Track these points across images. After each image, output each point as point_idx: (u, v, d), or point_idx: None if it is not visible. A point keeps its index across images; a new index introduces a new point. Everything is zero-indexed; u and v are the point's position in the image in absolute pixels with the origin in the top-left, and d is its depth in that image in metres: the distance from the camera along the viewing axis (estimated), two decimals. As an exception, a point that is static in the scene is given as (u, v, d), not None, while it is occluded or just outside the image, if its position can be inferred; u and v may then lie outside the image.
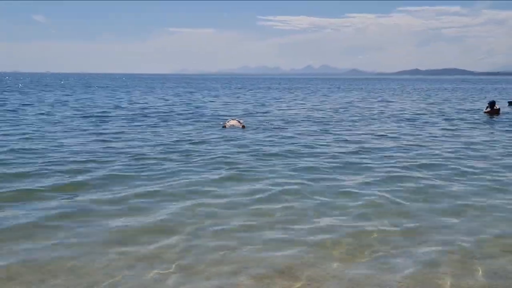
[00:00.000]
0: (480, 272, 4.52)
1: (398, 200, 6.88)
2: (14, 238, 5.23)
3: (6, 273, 4.41)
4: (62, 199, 6.72)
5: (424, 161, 9.73)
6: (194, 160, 9.63)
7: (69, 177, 7.95)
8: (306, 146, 11.63)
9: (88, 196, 6.89)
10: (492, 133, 14.79)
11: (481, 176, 8.46)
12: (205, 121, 17.40)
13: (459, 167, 9.19)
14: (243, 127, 14.89)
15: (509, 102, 23.81)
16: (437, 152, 10.92)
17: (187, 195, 6.99)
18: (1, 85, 56.15)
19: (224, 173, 8.40)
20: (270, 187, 7.49)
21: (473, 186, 7.74)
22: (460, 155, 10.60)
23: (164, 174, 8.29)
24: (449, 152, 10.94)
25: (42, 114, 19.25)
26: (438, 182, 7.96)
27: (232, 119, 16.02)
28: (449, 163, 9.59)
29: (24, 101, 27.88)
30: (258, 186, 7.56)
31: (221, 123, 15.88)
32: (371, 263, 4.68)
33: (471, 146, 11.79)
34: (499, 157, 10.32)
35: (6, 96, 32.36)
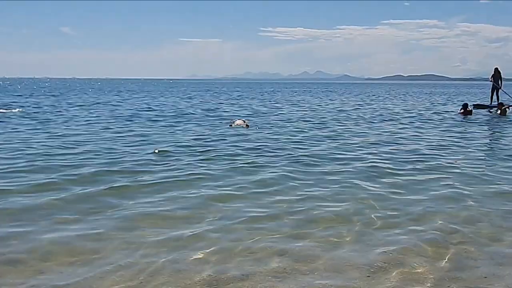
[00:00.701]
0: None
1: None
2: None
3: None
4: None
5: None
6: (213, 156, 9.33)
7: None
8: (309, 144, 11.36)
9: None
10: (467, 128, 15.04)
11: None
12: (219, 120, 17.42)
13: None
14: (247, 126, 14.94)
15: (473, 105, 23.70)
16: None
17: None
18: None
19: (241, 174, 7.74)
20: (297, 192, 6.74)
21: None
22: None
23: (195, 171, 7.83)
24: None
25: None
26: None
27: (238, 119, 16.10)
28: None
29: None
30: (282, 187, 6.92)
31: (228, 122, 15.94)
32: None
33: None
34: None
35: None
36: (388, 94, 54.41)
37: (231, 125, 15.12)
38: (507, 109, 19.84)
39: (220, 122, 16.64)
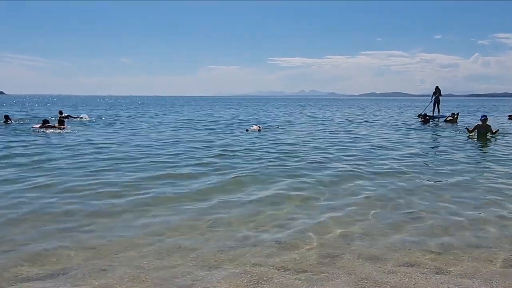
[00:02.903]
0: None
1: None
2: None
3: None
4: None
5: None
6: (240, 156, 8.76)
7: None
8: (313, 146, 11.05)
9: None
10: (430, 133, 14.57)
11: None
12: (241, 126, 17.27)
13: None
14: (259, 130, 14.86)
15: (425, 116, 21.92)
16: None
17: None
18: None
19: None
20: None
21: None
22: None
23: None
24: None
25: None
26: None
27: (254, 125, 16.04)
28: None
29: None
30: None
31: (245, 127, 15.94)
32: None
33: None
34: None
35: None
36: (369, 107, 53.00)
37: (247, 130, 15.08)
38: (457, 117, 19.67)
39: (244, 128, 16.52)
